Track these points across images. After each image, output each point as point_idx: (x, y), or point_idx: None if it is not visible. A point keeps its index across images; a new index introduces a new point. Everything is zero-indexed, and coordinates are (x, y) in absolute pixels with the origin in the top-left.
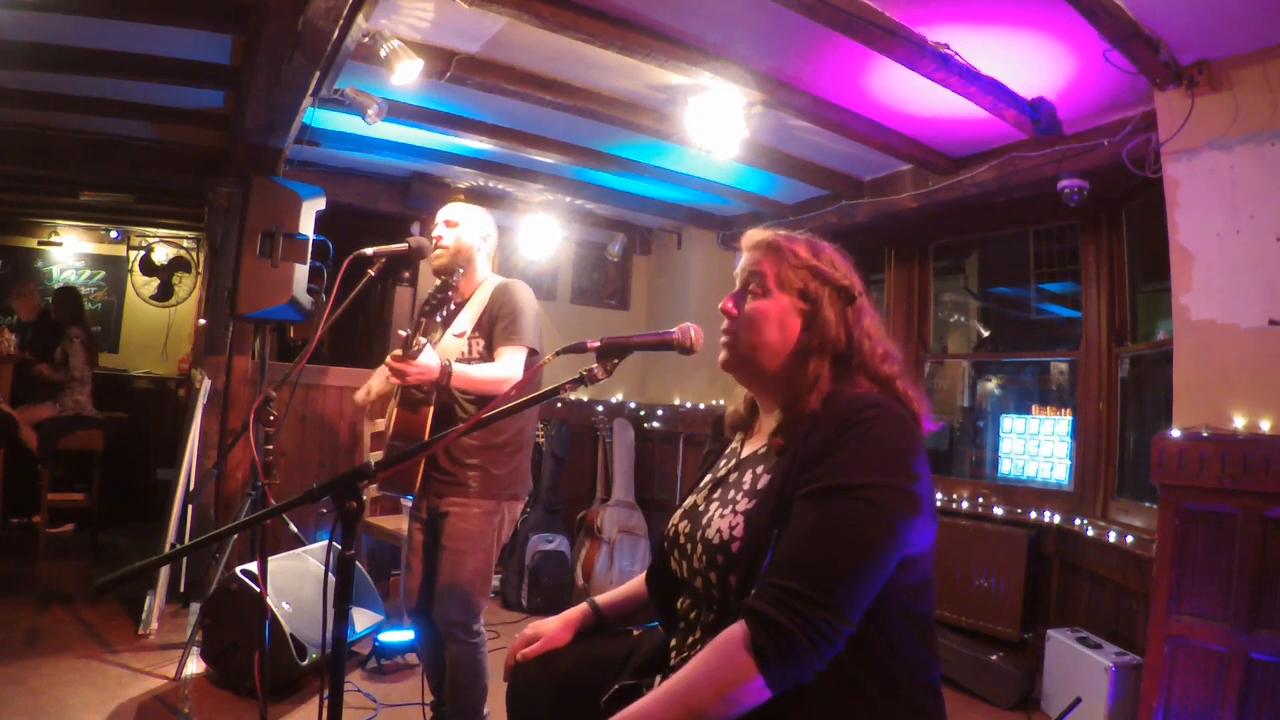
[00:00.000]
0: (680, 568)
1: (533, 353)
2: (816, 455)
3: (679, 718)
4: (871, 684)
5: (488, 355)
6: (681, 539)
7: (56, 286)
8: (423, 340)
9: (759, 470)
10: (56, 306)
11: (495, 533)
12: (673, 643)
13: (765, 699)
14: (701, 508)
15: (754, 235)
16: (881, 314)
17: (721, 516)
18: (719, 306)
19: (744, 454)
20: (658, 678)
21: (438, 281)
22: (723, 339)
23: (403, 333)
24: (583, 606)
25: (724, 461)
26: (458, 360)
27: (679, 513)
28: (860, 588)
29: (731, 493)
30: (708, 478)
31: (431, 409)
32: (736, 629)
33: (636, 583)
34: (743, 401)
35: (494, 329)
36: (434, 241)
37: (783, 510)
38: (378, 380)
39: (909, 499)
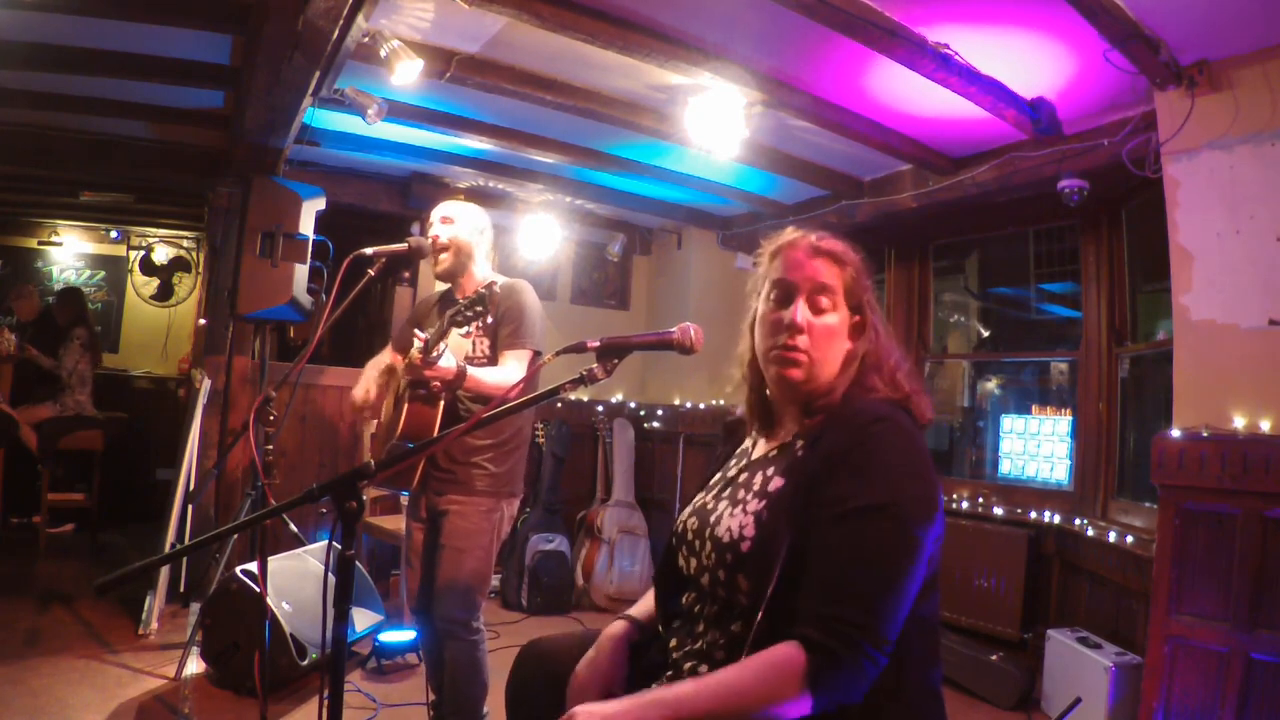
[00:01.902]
0: (688, 564)
1: (537, 355)
2: (830, 471)
3: (716, 713)
4: (876, 687)
5: (492, 355)
6: (690, 536)
7: (57, 287)
8: (443, 346)
9: (769, 472)
10: (59, 307)
11: (494, 530)
12: (673, 643)
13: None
14: (710, 506)
15: (809, 242)
16: (881, 313)
17: (731, 515)
18: (787, 319)
19: (755, 455)
20: (667, 674)
21: (446, 286)
22: (792, 353)
23: (420, 334)
24: (622, 625)
25: (734, 461)
26: (464, 359)
27: (688, 510)
28: (901, 605)
29: (741, 493)
30: (717, 476)
31: (441, 407)
32: (793, 654)
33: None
34: (751, 401)
35: (499, 331)
36: (431, 241)
37: (796, 516)
38: (374, 384)
39: (929, 505)
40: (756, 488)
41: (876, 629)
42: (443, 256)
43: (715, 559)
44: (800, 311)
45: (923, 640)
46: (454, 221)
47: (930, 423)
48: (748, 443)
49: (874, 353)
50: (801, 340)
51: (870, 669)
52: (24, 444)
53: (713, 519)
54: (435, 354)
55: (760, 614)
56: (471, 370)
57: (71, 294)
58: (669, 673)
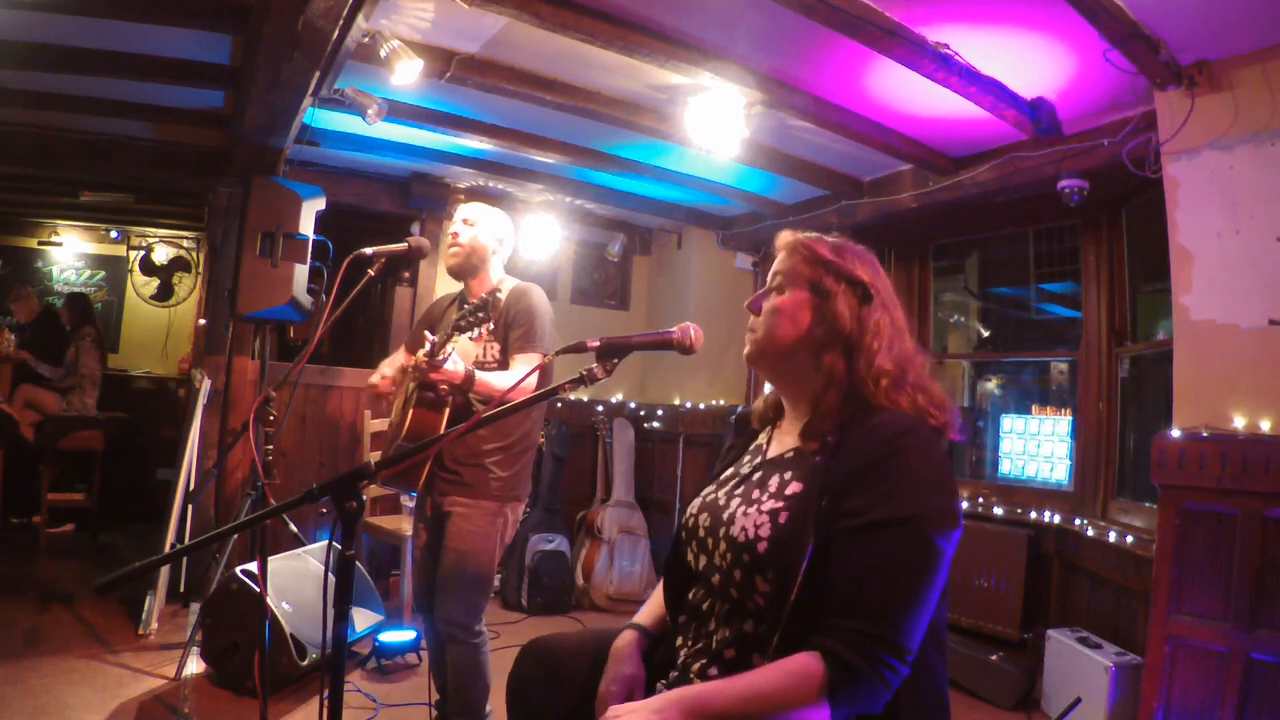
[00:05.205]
0: (697, 560)
1: (546, 358)
2: (854, 482)
3: (737, 714)
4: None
5: (502, 359)
6: (701, 532)
7: (58, 287)
8: (449, 349)
9: (787, 475)
10: (68, 311)
11: (498, 534)
12: (679, 640)
13: None
14: (723, 502)
15: (783, 237)
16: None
17: (745, 515)
18: (744, 304)
19: (770, 454)
20: (672, 673)
21: (458, 287)
22: (747, 335)
23: (430, 336)
24: (631, 634)
25: (748, 458)
26: (472, 363)
27: (698, 503)
28: (923, 617)
29: (756, 492)
30: (730, 471)
31: (448, 411)
32: (814, 665)
33: (660, 593)
34: (769, 399)
35: (509, 335)
36: (450, 239)
37: (819, 523)
38: (392, 367)
39: (951, 518)
40: (773, 489)
41: (898, 642)
42: (453, 250)
43: (731, 559)
44: (752, 299)
45: (932, 646)
46: (474, 224)
47: (957, 440)
48: (762, 439)
49: (867, 350)
50: (751, 321)
51: (893, 680)
52: (24, 440)
53: (725, 516)
54: (441, 357)
55: (784, 620)
56: (480, 374)
57: (78, 299)
58: (674, 674)
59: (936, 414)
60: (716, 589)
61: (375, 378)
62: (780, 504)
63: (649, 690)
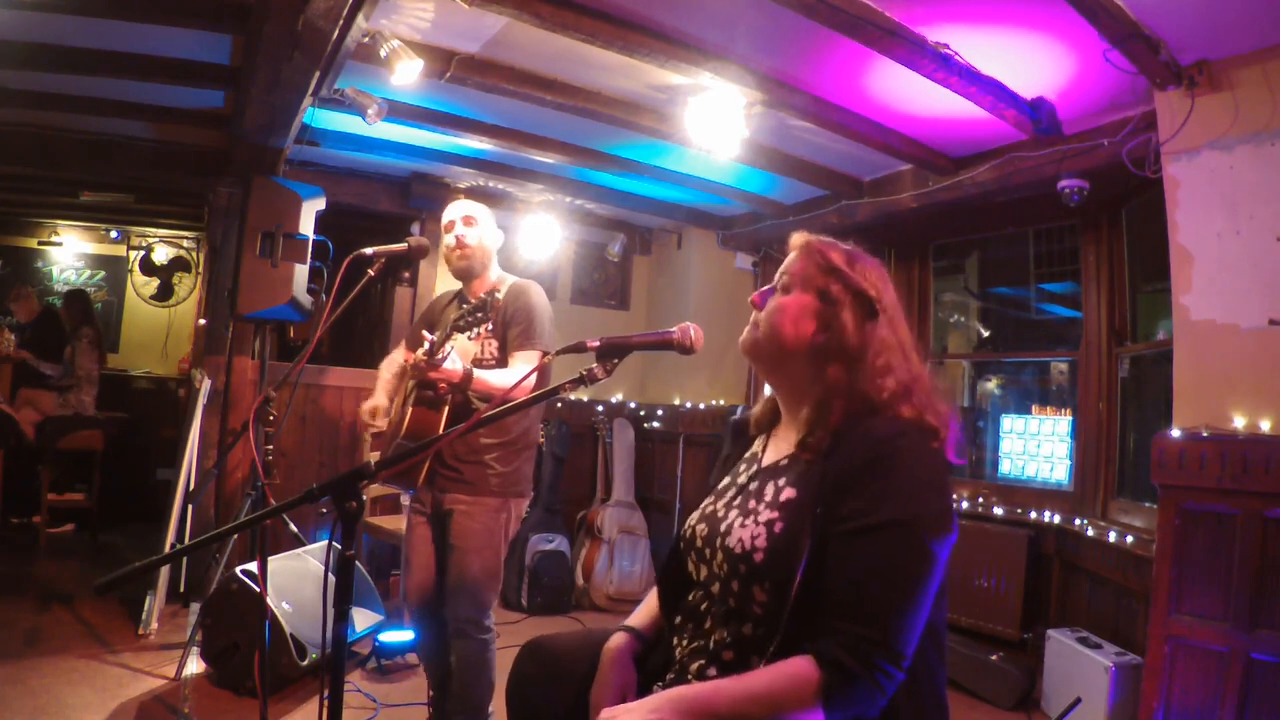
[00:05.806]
0: (697, 570)
1: (546, 356)
2: (848, 485)
3: (731, 716)
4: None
5: (500, 356)
6: (699, 543)
7: (58, 287)
8: (448, 348)
9: (781, 483)
10: (66, 309)
11: (502, 529)
12: (675, 640)
13: None
14: (721, 514)
15: (797, 237)
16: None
17: (742, 526)
18: (748, 299)
19: (765, 463)
20: (669, 675)
21: (457, 286)
22: (747, 328)
23: (429, 336)
24: (622, 638)
25: (744, 467)
26: (471, 362)
27: (696, 515)
28: (918, 620)
29: (752, 502)
30: (726, 481)
31: (446, 410)
32: (809, 669)
33: (654, 596)
34: (766, 405)
35: (508, 332)
36: (456, 240)
37: (814, 528)
38: (384, 394)
39: (946, 520)
40: (768, 498)
41: (894, 646)
42: (461, 252)
43: (728, 569)
44: (756, 294)
45: (931, 646)
46: (478, 223)
47: (955, 463)
48: (756, 446)
49: (869, 366)
50: (753, 315)
51: (888, 685)
52: (24, 438)
53: (723, 528)
54: (440, 356)
55: (782, 625)
56: (478, 373)
57: (77, 296)
58: (670, 675)
59: (939, 433)
60: (716, 596)
61: (367, 408)
62: (775, 514)
63: (645, 693)
